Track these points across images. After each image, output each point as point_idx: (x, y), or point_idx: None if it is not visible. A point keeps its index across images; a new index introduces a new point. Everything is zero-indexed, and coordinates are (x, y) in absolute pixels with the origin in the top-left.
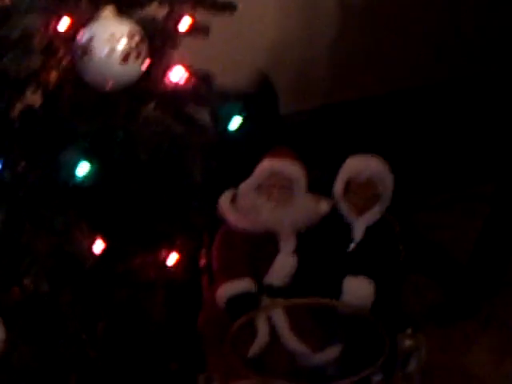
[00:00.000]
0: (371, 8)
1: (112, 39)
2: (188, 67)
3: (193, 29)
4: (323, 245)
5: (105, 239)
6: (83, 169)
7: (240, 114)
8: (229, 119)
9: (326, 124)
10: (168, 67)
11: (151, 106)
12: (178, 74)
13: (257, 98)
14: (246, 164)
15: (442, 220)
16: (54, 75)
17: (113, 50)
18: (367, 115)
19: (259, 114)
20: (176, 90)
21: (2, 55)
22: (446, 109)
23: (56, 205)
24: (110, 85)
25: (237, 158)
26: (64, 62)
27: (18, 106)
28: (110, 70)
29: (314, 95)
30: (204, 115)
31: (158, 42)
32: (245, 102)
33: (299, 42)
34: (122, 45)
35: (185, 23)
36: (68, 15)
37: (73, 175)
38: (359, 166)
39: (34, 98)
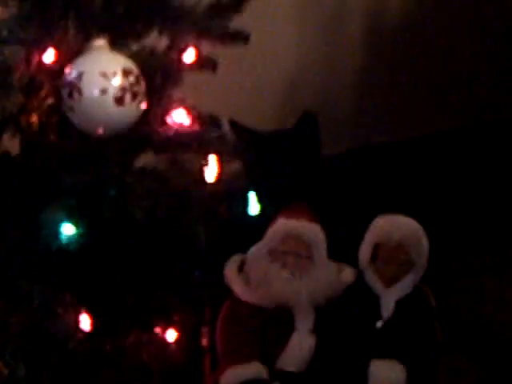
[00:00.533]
0: (406, 35)
1: (104, 76)
2: (191, 109)
3: (198, 63)
4: (346, 322)
5: (92, 314)
6: (68, 230)
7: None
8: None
9: (350, 173)
10: (168, 109)
11: (148, 155)
12: (179, 118)
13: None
14: (256, 225)
15: (485, 287)
16: (35, 117)
17: (105, 88)
18: (396, 163)
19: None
20: (177, 136)
21: None
22: (492, 154)
23: (35, 273)
24: (101, 130)
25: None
26: (48, 102)
27: None
28: (102, 112)
29: (335, 139)
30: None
31: (157, 79)
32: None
33: (320, 77)
34: (116, 83)
35: (189, 57)
36: (54, 47)
37: (56, 237)
38: (389, 227)
39: (11, 143)
